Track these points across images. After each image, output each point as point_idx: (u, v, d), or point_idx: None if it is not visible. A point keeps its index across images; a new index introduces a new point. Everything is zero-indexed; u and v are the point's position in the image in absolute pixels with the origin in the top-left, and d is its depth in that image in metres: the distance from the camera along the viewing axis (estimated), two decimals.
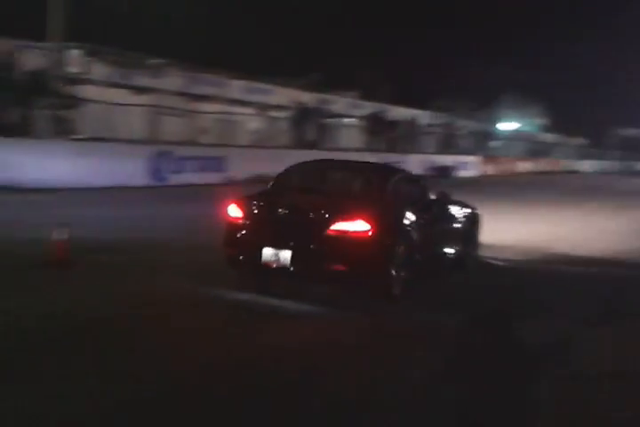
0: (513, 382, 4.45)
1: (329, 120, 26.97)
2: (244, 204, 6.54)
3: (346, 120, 33.01)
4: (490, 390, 4.28)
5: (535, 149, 51.46)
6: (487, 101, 72.65)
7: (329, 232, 6.04)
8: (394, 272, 6.29)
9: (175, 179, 18.00)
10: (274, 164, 19.90)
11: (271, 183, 7.20)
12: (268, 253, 6.15)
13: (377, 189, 6.88)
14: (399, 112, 32.30)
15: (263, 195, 6.83)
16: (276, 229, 6.25)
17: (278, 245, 6.12)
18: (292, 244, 6.11)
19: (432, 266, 7.38)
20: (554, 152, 53.67)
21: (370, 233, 6.02)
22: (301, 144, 23.09)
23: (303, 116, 23.35)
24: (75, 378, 4.02)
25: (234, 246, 6.51)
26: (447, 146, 32.16)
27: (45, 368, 4.17)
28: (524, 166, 41.62)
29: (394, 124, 28.39)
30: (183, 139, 20.74)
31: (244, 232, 6.40)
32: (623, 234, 13.09)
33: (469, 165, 32.92)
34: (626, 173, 61.39)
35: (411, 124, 29.81)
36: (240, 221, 6.44)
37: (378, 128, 26.72)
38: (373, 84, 47.17)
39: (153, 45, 22.27)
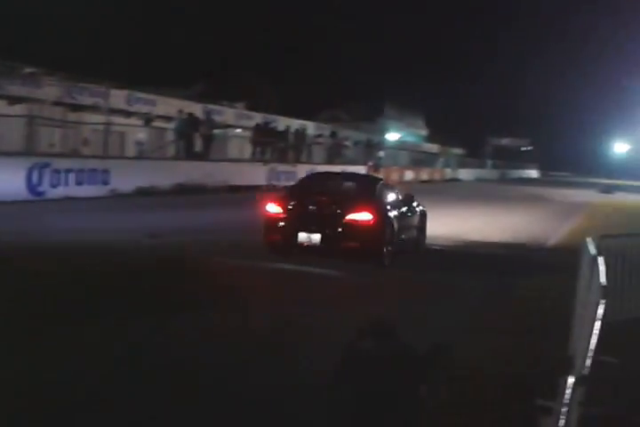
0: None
1: (216, 131, 26.67)
2: (278, 203, 9.66)
3: (234, 130, 32.80)
4: None
5: (419, 159, 53.32)
6: (373, 113, 74.76)
7: (345, 221, 9.23)
8: (385, 249, 9.46)
9: (54, 193, 17.06)
10: (160, 176, 19.46)
11: (288, 190, 11.00)
12: (302, 236, 9.25)
13: (370, 191, 10.19)
14: (287, 122, 32.46)
15: (289, 197, 10.04)
16: (307, 219, 9.35)
17: (310, 231, 9.20)
18: (320, 229, 9.14)
19: (404, 246, 10.52)
20: (436, 162, 55.82)
21: (372, 221, 9.29)
22: (189, 155, 22.63)
23: (190, 126, 22.92)
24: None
25: (274, 233, 9.58)
26: (335, 156, 32.62)
27: None
28: (410, 175, 42.94)
29: (282, 134, 28.45)
30: (63, 150, 19.78)
31: (281, 223, 9.45)
32: (519, 226, 17.39)
33: None
34: (503, 181, 64.96)
35: (299, 134, 29.99)
36: (277, 215, 9.51)
37: (266, 138, 26.67)
38: (261, 94, 47.29)
39: (29, 54, 21.19)
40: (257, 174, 24.83)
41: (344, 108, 72.59)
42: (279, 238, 9.54)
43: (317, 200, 9.66)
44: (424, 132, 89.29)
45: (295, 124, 34.09)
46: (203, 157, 23.19)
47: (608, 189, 46.86)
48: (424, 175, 46.36)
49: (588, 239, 5.44)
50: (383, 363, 5.29)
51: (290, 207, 9.52)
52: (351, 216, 9.26)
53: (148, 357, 5.02)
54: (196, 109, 26.11)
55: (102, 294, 6.81)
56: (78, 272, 7.70)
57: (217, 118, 27.16)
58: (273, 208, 9.62)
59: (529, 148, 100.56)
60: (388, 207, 10.03)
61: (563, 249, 12.30)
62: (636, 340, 5.95)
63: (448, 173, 53.67)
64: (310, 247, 9.31)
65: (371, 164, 36.15)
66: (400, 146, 57.97)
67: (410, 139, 75.24)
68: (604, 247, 5.71)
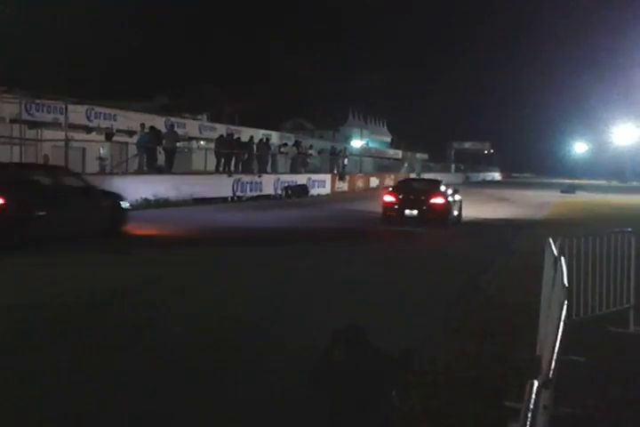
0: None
1: (180, 143, 26.49)
2: (391, 195, 17.32)
3: (198, 143, 32.61)
4: None
5: (384, 165, 53.64)
6: (336, 121, 75.06)
7: (429, 203, 16.73)
8: (447, 219, 17.02)
9: None
10: (123, 191, 19.18)
11: (392, 188, 19.09)
12: (407, 212, 16.69)
13: (438, 187, 17.90)
14: (251, 133, 32.39)
15: (395, 191, 17.69)
16: (409, 203, 16.76)
17: (412, 209, 16.65)
18: (417, 208, 16.62)
19: (454, 218, 18.02)
20: (400, 167, 56.19)
21: (443, 204, 16.85)
22: (152, 169, 22.40)
23: (152, 140, 22.69)
24: None
25: (389, 211, 17.15)
26: (300, 165, 32.61)
27: None
28: (375, 182, 43.12)
29: (246, 145, 28.35)
30: None
31: (395, 206, 17.02)
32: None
33: (322, 183, 33.61)
34: (467, 184, 65.59)
35: (263, 144, 29.92)
36: (391, 202, 17.13)
37: (230, 150, 26.53)
38: (223, 105, 47.15)
39: None
40: (222, 186, 24.68)
41: (308, 117, 72.87)
42: (394, 214, 17.13)
43: (412, 192, 17.62)
44: (388, 139, 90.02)
45: (259, 134, 34.04)
46: (167, 170, 22.96)
47: (570, 189, 47.77)
48: (389, 181, 46.60)
49: (550, 240, 5.52)
50: (356, 370, 5.32)
51: (399, 197, 17.27)
52: (432, 200, 16.94)
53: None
54: (159, 123, 25.90)
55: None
56: None
57: (180, 131, 26.99)
58: (388, 198, 17.41)
59: (491, 150, 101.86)
60: (452, 195, 18.07)
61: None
62: (601, 338, 6.04)
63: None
64: (410, 218, 16.82)
65: (335, 172, 36.26)
66: (364, 153, 58.25)
67: (374, 145, 75.72)
68: (565, 247, 5.83)
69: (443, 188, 17.99)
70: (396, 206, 16.96)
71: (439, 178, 26.55)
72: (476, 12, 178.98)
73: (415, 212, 16.67)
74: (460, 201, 19.00)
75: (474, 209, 22.29)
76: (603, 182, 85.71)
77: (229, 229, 15.78)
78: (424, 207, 16.70)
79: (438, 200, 16.89)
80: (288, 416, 4.29)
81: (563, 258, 4.00)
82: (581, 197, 39.08)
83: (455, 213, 18.08)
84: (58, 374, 4.89)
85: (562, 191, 46.43)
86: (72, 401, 4.37)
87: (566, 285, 3.19)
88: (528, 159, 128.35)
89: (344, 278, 9.22)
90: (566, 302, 3.05)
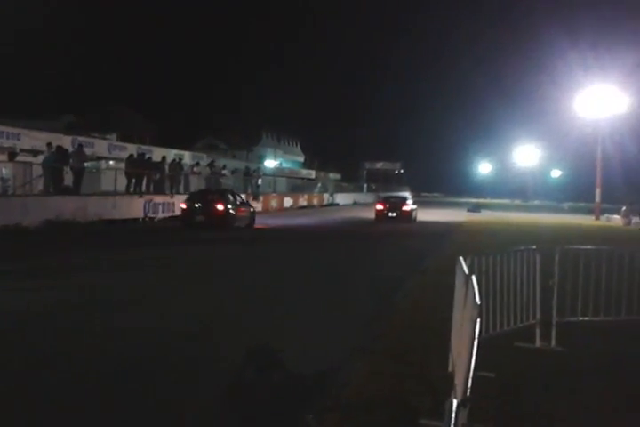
0: None
1: (88, 163, 25.68)
2: (380, 204, 31.69)
3: (107, 163, 31.72)
4: None
5: (297, 185, 53.91)
6: (250, 141, 74.95)
7: (402, 209, 30.68)
8: (412, 218, 31.37)
9: None
10: (27, 213, 18.37)
11: (380, 199, 33.47)
12: (390, 214, 30.42)
13: (406, 199, 32.55)
14: (163, 153, 31.85)
15: (381, 202, 31.98)
16: (391, 208, 30.63)
17: (392, 212, 30.41)
18: (395, 211, 30.43)
19: (414, 218, 32.12)
20: (314, 187, 56.64)
21: (409, 209, 31.01)
22: (58, 190, 21.56)
23: (59, 160, 21.89)
24: None
25: (379, 213, 30.91)
26: (213, 185, 32.25)
27: None
28: (289, 202, 43.25)
29: (158, 165, 27.79)
30: None
31: (382, 210, 30.90)
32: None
33: None
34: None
35: (175, 164, 29.44)
36: (380, 208, 31.24)
37: (141, 170, 25.94)
38: (134, 125, 46.18)
39: None
40: (133, 207, 24.05)
41: (221, 137, 72.43)
42: (381, 214, 30.49)
43: (392, 202, 31.16)
44: (301, 159, 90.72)
45: (171, 154, 33.51)
46: (74, 191, 22.16)
47: (476, 209, 49.65)
48: (303, 201, 46.87)
49: (461, 258, 5.67)
50: (269, 392, 5.26)
51: (384, 204, 31.03)
52: (403, 208, 30.53)
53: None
54: (65, 142, 25.06)
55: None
56: None
57: (88, 150, 26.19)
58: (378, 206, 31.23)
59: (401, 171, 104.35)
60: (412, 205, 31.52)
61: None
62: (509, 353, 6.23)
63: (326, 198, 54.58)
64: (392, 218, 29.96)
65: (249, 192, 36.11)
66: (278, 173, 58.42)
67: (287, 165, 76.11)
68: (475, 265, 6.00)
69: (410, 201, 32.36)
70: (383, 210, 31.03)
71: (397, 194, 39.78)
72: (390, 36, 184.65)
73: (394, 214, 30.51)
74: (417, 208, 33.16)
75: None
76: (506, 201, 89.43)
77: None
78: (399, 211, 30.63)
79: (407, 208, 30.96)
80: None
81: (473, 276, 4.10)
82: (487, 216, 40.60)
83: (415, 214, 32.32)
84: None
85: (468, 210, 48.21)
86: None
87: (478, 302, 3.27)
88: (437, 179, 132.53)
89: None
90: (479, 319, 3.12)
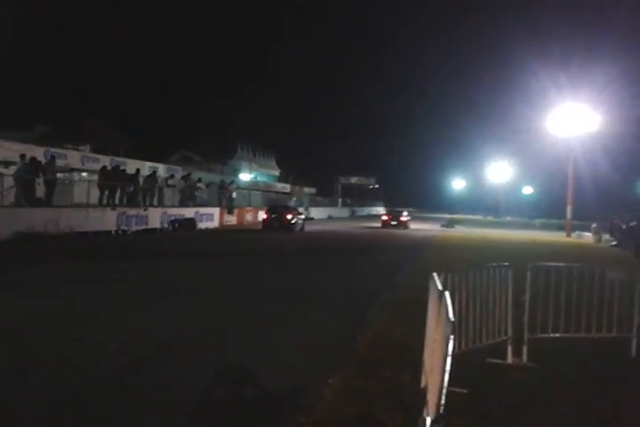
0: None
1: (61, 175, 25.42)
2: (385, 215, 46.00)
3: (79, 174, 31.42)
4: None
5: (272, 199, 53.82)
6: (225, 154, 74.78)
7: (400, 218, 44.05)
8: (407, 225, 44.14)
9: None
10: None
11: (386, 211, 53.40)
12: (392, 222, 43.27)
13: (403, 212, 46.13)
14: (137, 165, 31.65)
15: (386, 214, 47.13)
16: (393, 218, 44.15)
17: (394, 221, 43.40)
18: (396, 221, 43.40)
19: (409, 226, 44.70)
20: (289, 201, 56.56)
21: (406, 219, 44.35)
22: (30, 202, 21.28)
23: (31, 171, 21.63)
24: None
25: (384, 222, 43.84)
26: (188, 198, 32.12)
27: None
28: (264, 215, 43.06)
29: (132, 177, 27.59)
30: None
31: (387, 220, 44.03)
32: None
33: (211, 217, 33.25)
34: (354, 218, 67.09)
35: (149, 177, 29.26)
36: (385, 218, 44.87)
37: (114, 182, 25.72)
38: (108, 136, 45.83)
39: None
40: (105, 219, 23.78)
41: (196, 150, 72.12)
42: (386, 223, 43.25)
43: (394, 215, 45.16)
44: (276, 173, 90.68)
45: (146, 166, 33.31)
46: (46, 203, 21.90)
47: (449, 224, 50.07)
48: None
49: (435, 274, 5.71)
50: (239, 408, 5.22)
51: (389, 216, 44.95)
52: (401, 218, 43.90)
53: None
54: (38, 153, 24.76)
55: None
56: None
57: (61, 162, 25.93)
58: (384, 217, 45.13)
59: (376, 185, 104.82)
60: (407, 216, 44.98)
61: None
62: (481, 370, 6.28)
63: (302, 212, 54.52)
64: (394, 225, 42.61)
65: (223, 205, 35.99)
66: (253, 186, 58.30)
67: (262, 179, 76.00)
68: (448, 282, 6.05)
69: (405, 213, 45.55)
70: (387, 219, 43.57)
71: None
72: (365, 53, 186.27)
73: (395, 222, 42.83)
74: (410, 219, 45.53)
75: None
76: (480, 217, 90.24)
77: None
78: (398, 220, 42.97)
79: (404, 218, 43.70)
80: None
81: (447, 292, 4.14)
82: (460, 232, 40.93)
83: (409, 224, 44.06)
84: None
85: (442, 226, 48.59)
86: None
87: (452, 319, 3.30)
88: (411, 194, 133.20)
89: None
90: (452, 336, 3.16)
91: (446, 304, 3.72)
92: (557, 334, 7.04)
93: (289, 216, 32.95)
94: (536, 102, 48.05)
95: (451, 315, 3.34)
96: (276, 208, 35.36)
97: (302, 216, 35.71)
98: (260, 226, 34.33)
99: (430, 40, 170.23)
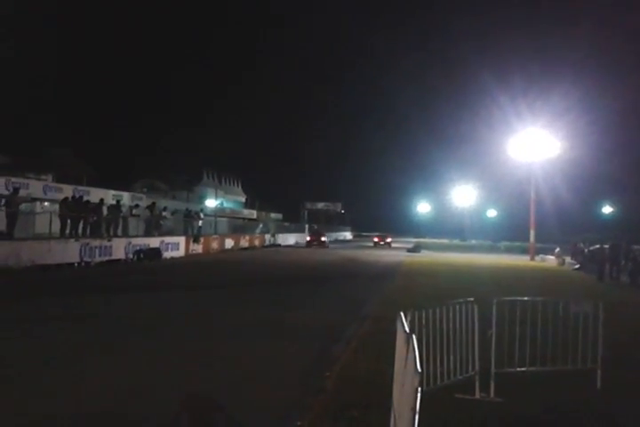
0: None
1: (22, 205, 24.95)
2: (376, 238, 68.19)
3: (42, 204, 30.93)
4: None
5: (239, 225, 53.63)
6: (190, 181, 74.45)
7: (386, 241, 66.67)
8: (391, 246, 65.05)
9: None
10: None
11: (377, 235, 70.61)
12: (381, 242, 65.97)
13: (388, 237, 68.05)
14: (101, 194, 31.32)
15: (378, 237, 68.37)
16: (380, 240, 66.79)
17: (382, 241, 66.27)
18: (383, 242, 66.19)
19: (391, 246, 65.17)
20: (255, 228, 56.43)
21: (390, 241, 67.21)
22: None
23: None
24: None
25: (376, 242, 66.14)
26: (153, 228, 31.75)
27: None
28: (230, 243, 42.88)
29: (95, 207, 27.19)
30: None
31: (377, 241, 66.41)
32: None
33: (176, 246, 32.91)
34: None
35: (113, 207, 28.89)
36: (376, 240, 67.00)
37: (77, 213, 25.30)
38: (71, 165, 45.28)
39: None
40: (68, 251, 23.32)
41: (161, 177, 71.70)
42: (377, 243, 65.36)
43: (381, 238, 67.31)
44: (242, 199, 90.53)
45: (109, 195, 32.98)
46: (7, 235, 21.43)
47: (416, 249, 50.37)
48: (244, 242, 46.59)
49: (401, 313, 5.71)
50: None
51: (379, 238, 67.16)
52: (387, 240, 66.27)
53: None
54: None
55: None
56: None
57: (23, 192, 25.49)
58: (375, 239, 67.20)
59: (342, 211, 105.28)
60: (390, 239, 67.35)
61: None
62: (449, 406, 6.27)
63: (268, 238, 54.40)
64: (382, 244, 64.81)
65: (189, 234, 35.69)
66: (219, 213, 58.06)
67: (229, 205, 75.79)
68: (416, 319, 6.06)
69: (389, 237, 67.04)
70: (378, 240, 65.88)
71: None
72: (329, 78, 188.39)
73: (382, 242, 65.12)
74: (392, 240, 67.14)
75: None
76: (445, 241, 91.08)
77: None
78: (385, 241, 65.62)
79: (388, 240, 66.09)
80: None
81: (414, 336, 4.13)
82: (427, 257, 41.17)
83: (393, 244, 63.77)
84: None
85: (408, 251, 48.82)
86: None
87: (419, 370, 3.29)
88: (378, 219, 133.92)
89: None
90: (419, 388, 3.14)
91: (414, 351, 3.71)
92: (524, 368, 7.09)
93: (323, 238, 58.52)
94: (498, 128, 49.19)
95: (418, 366, 3.33)
96: (315, 232, 63.65)
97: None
98: (242, 249, 33.83)
99: (392, 66, 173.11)
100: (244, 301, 15.38)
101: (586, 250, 32.36)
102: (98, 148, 61.47)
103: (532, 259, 41.12)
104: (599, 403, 6.65)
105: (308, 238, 58.20)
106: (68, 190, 30.86)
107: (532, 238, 42.78)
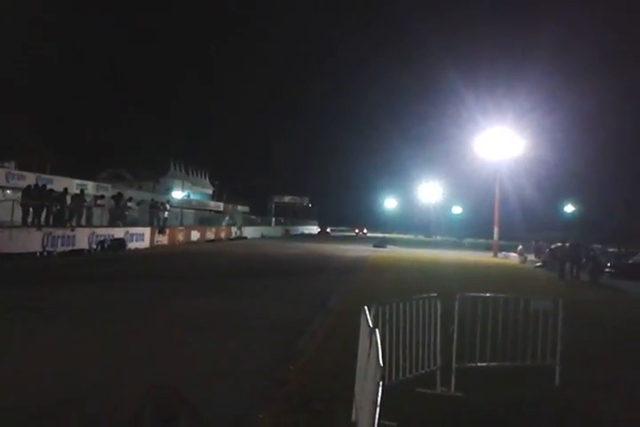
0: None
1: None
2: (357, 228, 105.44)
3: (3, 192, 30.31)
4: None
5: (205, 218, 53.29)
6: (157, 172, 73.64)
7: (363, 231, 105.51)
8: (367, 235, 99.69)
9: None
10: None
11: (357, 227, 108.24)
12: (360, 233, 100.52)
13: (365, 228, 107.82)
14: (65, 183, 30.78)
15: (358, 228, 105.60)
16: (360, 232, 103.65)
17: (361, 233, 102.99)
18: (361, 232, 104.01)
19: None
20: (222, 220, 56.13)
21: (365, 232, 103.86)
22: None
23: None
24: None
25: (356, 233, 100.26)
26: (118, 218, 31.34)
27: None
28: (196, 235, 42.58)
29: (58, 196, 26.69)
30: None
31: (358, 232, 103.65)
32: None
33: (141, 237, 32.56)
34: (288, 238, 66.98)
35: (77, 196, 28.43)
36: (357, 231, 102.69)
37: (40, 201, 24.84)
38: (34, 152, 44.38)
39: None
40: (30, 241, 22.90)
41: (127, 167, 70.75)
42: (358, 233, 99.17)
43: (360, 229, 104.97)
44: (209, 191, 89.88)
45: (73, 184, 32.45)
46: None
47: (381, 244, 50.68)
48: (210, 234, 46.31)
49: (366, 308, 5.76)
50: None
51: (360, 229, 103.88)
52: (364, 231, 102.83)
53: None
54: None
55: None
56: None
57: None
58: (356, 230, 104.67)
59: (309, 204, 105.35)
60: (367, 231, 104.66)
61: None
62: (411, 400, 6.35)
63: (234, 231, 54.15)
64: (361, 236, 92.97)
65: (155, 225, 35.35)
66: (186, 205, 57.59)
67: (195, 197, 75.17)
68: (379, 314, 6.12)
69: (365, 229, 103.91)
70: (359, 231, 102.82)
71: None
72: (300, 75, 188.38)
73: (361, 233, 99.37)
74: (367, 232, 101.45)
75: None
76: (411, 236, 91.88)
77: None
78: (362, 232, 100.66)
79: (365, 231, 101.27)
80: None
81: (377, 331, 4.18)
82: (392, 252, 41.47)
83: (367, 234, 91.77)
84: None
85: (374, 246, 49.12)
86: None
87: (381, 365, 3.34)
88: (345, 213, 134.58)
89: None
90: (381, 382, 3.18)
91: (377, 346, 3.76)
92: (484, 363, 7.20)
93: (328, 230, 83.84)
94: (464, 126, 49.62)
95: (380, 361, 3.37)
96: (323, 226, 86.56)
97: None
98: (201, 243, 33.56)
99: (363, 65, 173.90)
100: (206, 292, 15.25)
101: (547, 249, 32.94)
102: (63, 136, 60.35)
103: (496, 256, 41.70)
104: (557, 399, 6.80)
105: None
106: (30, 178, 30.27)
107: (495, 236, 43.39)
